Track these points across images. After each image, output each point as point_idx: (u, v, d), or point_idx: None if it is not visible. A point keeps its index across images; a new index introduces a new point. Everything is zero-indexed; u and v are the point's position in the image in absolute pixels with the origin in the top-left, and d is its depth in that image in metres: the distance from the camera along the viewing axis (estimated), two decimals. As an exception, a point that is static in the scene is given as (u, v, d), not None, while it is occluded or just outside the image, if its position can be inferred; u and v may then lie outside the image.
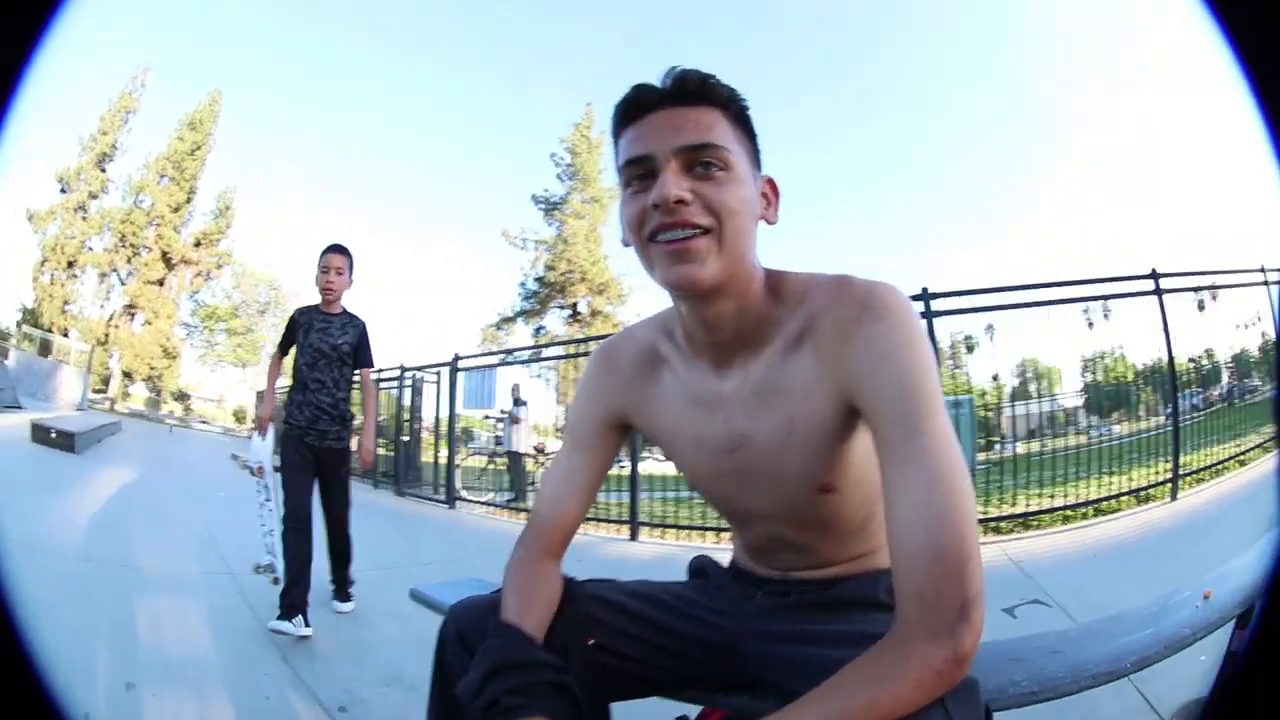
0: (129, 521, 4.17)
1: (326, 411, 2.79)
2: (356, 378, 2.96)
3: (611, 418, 0.88)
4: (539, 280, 24.51)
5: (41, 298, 24.22)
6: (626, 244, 0.76)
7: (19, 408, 11.06)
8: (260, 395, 3.20)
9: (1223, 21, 0.55)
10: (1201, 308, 4.54)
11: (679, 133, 0.69)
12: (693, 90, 0.71)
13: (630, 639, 0.83)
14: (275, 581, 2.73)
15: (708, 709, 0.96)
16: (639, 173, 0.71)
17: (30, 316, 23.94)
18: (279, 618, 2.33)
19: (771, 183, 0.78)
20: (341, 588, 2.89)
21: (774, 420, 0.75)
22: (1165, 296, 4.38)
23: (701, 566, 0.98)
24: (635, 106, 0.72)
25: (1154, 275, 4.37)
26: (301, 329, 2.84)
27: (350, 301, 2.93)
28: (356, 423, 3.04)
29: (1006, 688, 0.90)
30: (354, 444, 3.14)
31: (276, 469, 2.94)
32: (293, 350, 2.90)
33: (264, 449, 2.99)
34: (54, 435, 7.09)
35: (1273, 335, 4.38)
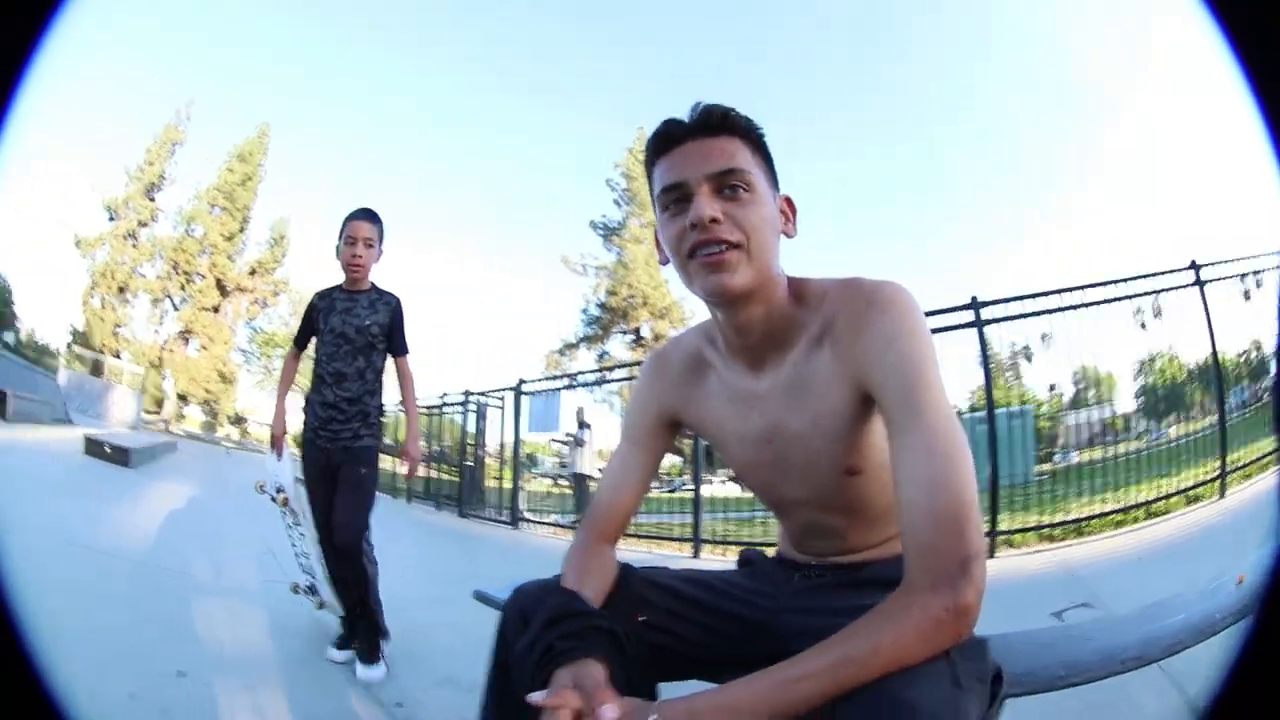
0: (187, 532, 4.34)
1: (341, 409, 2.28)
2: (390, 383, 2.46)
3: (663, 417, 0.98)
4: (601, 306, 24.75)
5: (91, 320, 25.11)
6: (664, 263, 0.87)
7: (69, 422, 11.54)
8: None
9: (1223, 22, 0.57)
10: (1248, 297, 4.36)
11: (707, 161, 0.79)
12: (716, 123, 0.80)
13: (677, 618, 0.89)
14: (321, 606, 2.49)
15: None
16: (675, 197, 0.81)
17: (80, 338, 24.90)
18: (363, 661, 2.11)
19: (789, 200, 0.87)
20: (364, 642, 2.18)
21: (803, 412, 0.84)
22: (1208, 288, 4.26)
23: (748, 557, 1.07)
24: (666, 139, 0.82)
25: (1194, 266, 4.25)
26: (321, 314, 2.35)
27: (382, 279, 2.43)
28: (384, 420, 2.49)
29: (1036, 671, 0.93)
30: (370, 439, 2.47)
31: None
32: (313, 344, 2.43)
33: (283, 471, 2.52)
34: (108, 449, 7.17)
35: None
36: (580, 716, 0.64)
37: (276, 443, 2.49)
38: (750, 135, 0.82)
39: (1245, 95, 0.56)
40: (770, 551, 1.09)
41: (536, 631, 0.73)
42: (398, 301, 2.39)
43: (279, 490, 2.49)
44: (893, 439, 0.73)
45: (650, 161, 0.85)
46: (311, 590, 2.56)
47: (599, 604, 0.83)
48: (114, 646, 1.98)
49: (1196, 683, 1.69)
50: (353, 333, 2.30)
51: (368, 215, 2.32)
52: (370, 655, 2.13)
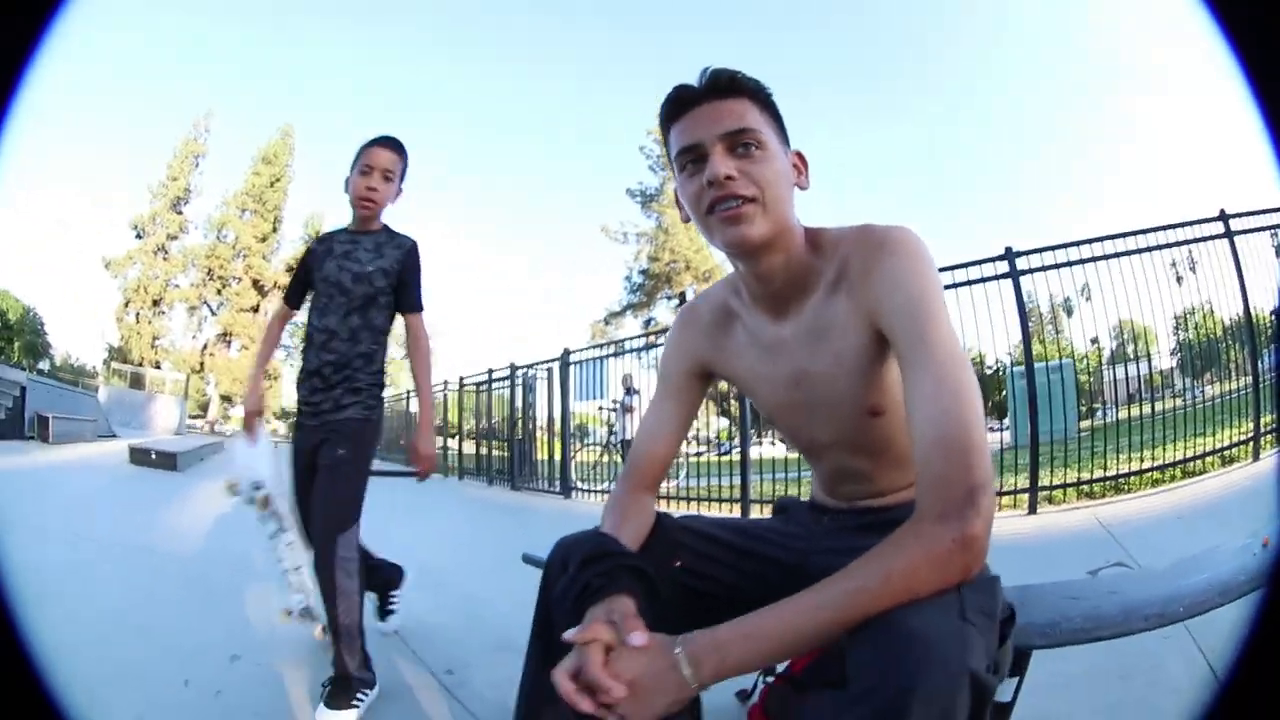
0: (239, 525, 4.47)
1: (323, 375, 1.80)
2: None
3: (695, 368, 1.02)
4: (643, 273, 24.95)
5: (128, 336, 25.73)
6: (686, 220, 0.91)
7: (113, 436, 11.89)
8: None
9: (1222, 22, 0.57)
10: (1280, 253, 4.23)
11: (720, 122, 0.83)
12: (725, 85, 0.84)
13: (713, 562, 0.95)
14: (324, 632, 1.94)
15: (767, 687, 1.08)
16: (691, 158, 0.85)
17: (117, 354, 25.54)
18: (327, 702, 1.60)
19: (800, 155, 0.91)
20: (339, 677, 1.66)
21: (825, 355, 0.88)
22: (1240, 240, 4.12)
23: (784, 504, 1.12)
24: (679, 104, 0.86)
25: (1223, 216, 4.10)
26: (317, 261, 1.88)
27: (398, 221, 1.95)
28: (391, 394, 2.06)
29: (1059, 622, 0.96)
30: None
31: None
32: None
33: (259, 460, 2.02)
34: (154, 456, 7.38)
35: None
36: (611, 649, 0.67)
37: (250, 423, 2.01)
38: (759, 95, 0.86)
39: (1246, 96, 0.56)
40: (805, 498, 1.12)
41: (573, 572, 0.78)
42: (413, 245, 1.90)
43: (256, 487, 1.97)
44: (904, 376, 0.76)
45: (665, 126, 0.89)
46: (307, 613, 2.05)
47: (636, 549, 0.87)
48: (165, 642, 2.08)
49: (1222, 652, 1.68)
50: (349, 281, 1.82)
51: (390, 144, 1.87)
52: (338, 698, 1.61)
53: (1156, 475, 4.03)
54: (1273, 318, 4.63)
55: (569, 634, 0.69)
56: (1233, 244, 4.11)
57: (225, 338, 27.70)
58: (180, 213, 26.55)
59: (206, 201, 27.67)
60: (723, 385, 6.74)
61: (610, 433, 7.95)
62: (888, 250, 0.81)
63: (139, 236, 26.25)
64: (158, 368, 24.78)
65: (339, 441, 1.78)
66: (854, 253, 0.84)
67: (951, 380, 0.72)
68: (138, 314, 26.18)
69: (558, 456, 7.48)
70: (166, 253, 26.46)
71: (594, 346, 7.99)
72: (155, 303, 26.33)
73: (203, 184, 27.13)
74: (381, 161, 1.85)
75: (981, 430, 0.70)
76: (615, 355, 7.32)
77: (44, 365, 23.92)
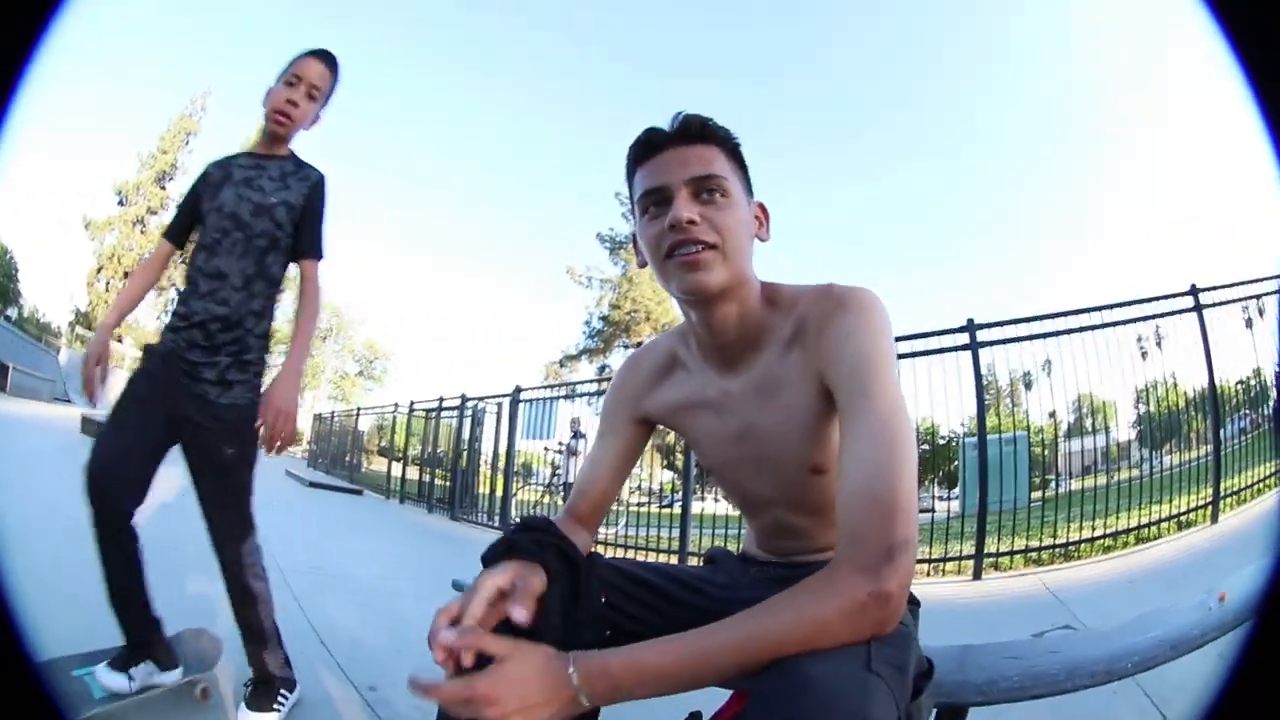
0: (179, 513, 4.33)
1: (208, 330, 1.50)
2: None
3: (634, 414, 1.01)
4: (603, 319, 24.84)
5: (96, 303, 25.21)
6: (643, 264, 0.90)
7: (68, 402, 11.56)
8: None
9: (1223, 22, 0.56)
10: (1250, 325, 4.34)
11: (687, 167, 0.83)
12: (695, 131, 0.84)
13: (638, 602, 0.92)
14: (205, 695, 1.44)
15: (723, 707, 1.02)
16: (655, 200, 0.84)
17: (83, 319, 24.97)
18: (249, 703, 1.55)
19: (763, 207, 0.92)
20: (260, 679, 1.59)
21: (774, 411, 0.86)
22: (1209, 314, 4.22)
23: (713, 555, 1.11)
24: (648, 146, 0.86)
25: (1193, 291, 4.22)
26: (210, 189, 1.59)
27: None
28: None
29: (997, 681, 0.93)
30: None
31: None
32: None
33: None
34: None
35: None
36: (501, 600, 0.69)
37: (88, 376, 1.55)
38: (727, 144, 0.86)
39: (1246, 97, 0.54)
40: (735, 551, 1.12)
41: (507, 533, 0.79)
42: (321, 179, 1.63)
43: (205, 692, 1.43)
44: (843, 427, 0.75)
45: (631, 168, 0.88)
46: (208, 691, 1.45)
47: None
48: (94, 614, 1.97)
49: (1180, 705, 1.67)
50: (248, 213, 1.53)
51: (326, 58, 1.63)
52: (261, 699, 1.56)
53: (1109, 542, 4.06)
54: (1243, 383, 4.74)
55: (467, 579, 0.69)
56: (1201, 318, 4.21)
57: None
58: (164, 188, 26.17)
59: (190, 181, 27.37)
60: (669, 437, 6.95)
61: (554, 474, 8.00)
62: (844, 307, 0.81)
63: (121, 203, 25.78)
64: (119, 341, 24.15)
65: (227, 436, 1.51)
66: (812, 311, 0.83)
67: (888, 435, 0.70)
68: (108, 283, 25.61)
69: (499, 491, 7.51)
70: (145, 226, 26.00)
71: (546, 387, 8.04)
72: (127, 274, 25.76)
73: (189, 162, 26.77)
74: (311, 75, 1.60)
75: (910, 489, 0.68)
76: (566, 398, 7.42)
77: (11, 313, 23.15)
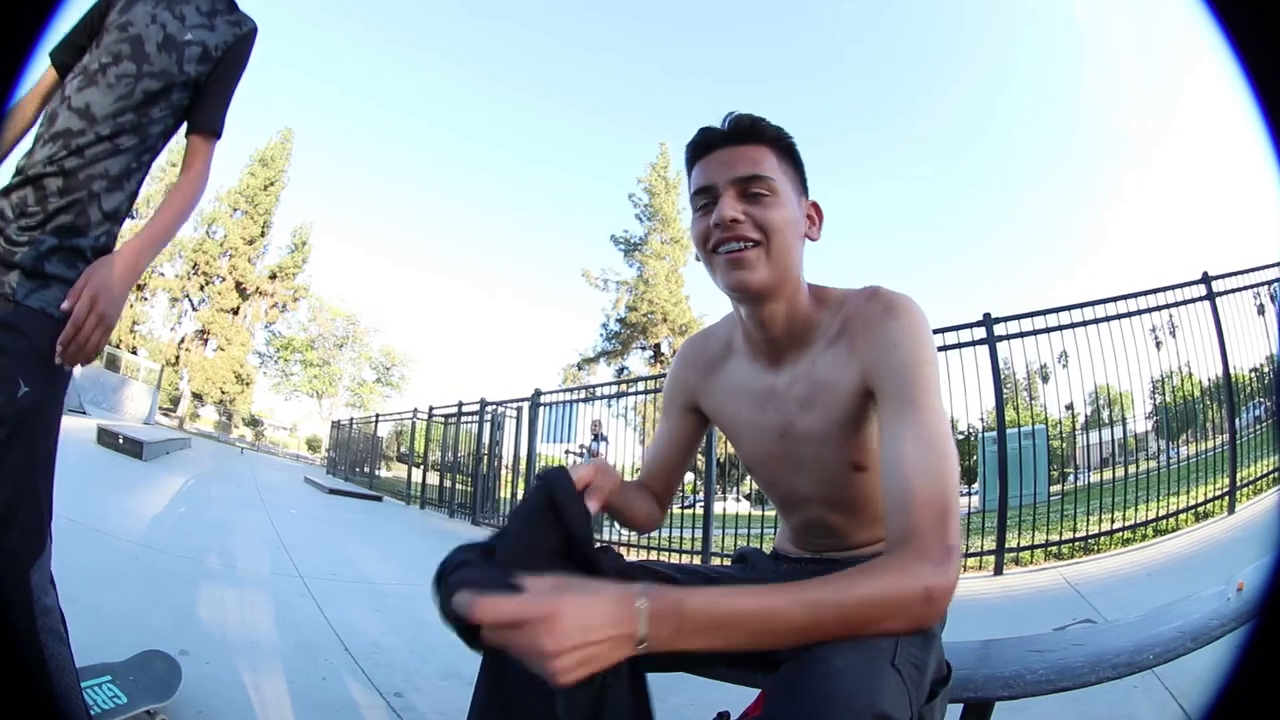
0: (199, 523, 4.40)
1: (42, 186, 1.04)
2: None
3: (687, 401, 1.04)
4: (620, 321, 24.96)
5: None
6: (698, 259, 0.92)
7: (83, 413, 11.64)
8: None
9: (1223, 22, 0.55)
10: (1262, 311, 4.30)
11: (734, 167, 0.85)
12: (745, 131, 0.86)
13: None
14: None
15: (749, 707, 1.04)
16: (704, 200, 0.87)
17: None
18: None
19: (816, 206, 0.92)
20: None
21: (816, 409, 0.88)
22: (1222, 300, 4.19)
23: (742, 554, 1.12)
24: (702, 146, 0.88)
25: (1205, 279, 4.19)
26: (123, 2, 1.16)
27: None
28: None
29: (1023, 675, 0.93)
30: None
31: None
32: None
33: None
34: (121, 441, 7.24)
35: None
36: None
37: None
38: (779, 143, 0.88)
39: (1246, 96, 0.54)
40: (767, 549, 1.12)
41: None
42: (253, 31, 1.27)
43: None
44: (885, 428, 0.77)
45: (689, 166, 0.91)
46: None
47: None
48: (118, 624, 2.02)
49: (1199, 699, 1.67)
50: (154, 44, 1.14)
51: None
52: None
53: (1127, 535, 4.04)
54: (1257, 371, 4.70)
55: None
56: (1214, 305, 4.18)
57: (203, 335, 27.44)
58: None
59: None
60: None
61: None
62: (892, 313, 0.82)
63: (132, 216, 25.96)
64: (134, 353, 24.41)
65: (22, 360, 0.97)
66: (858, 312, 0.85)
67: (935, 442, 0.73)
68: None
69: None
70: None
71: (565, 390, 7.97)
72: (139, 286, 26.01)
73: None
74: None
75: (958, 495, 0.71)
76: (585, 401, 7.33)
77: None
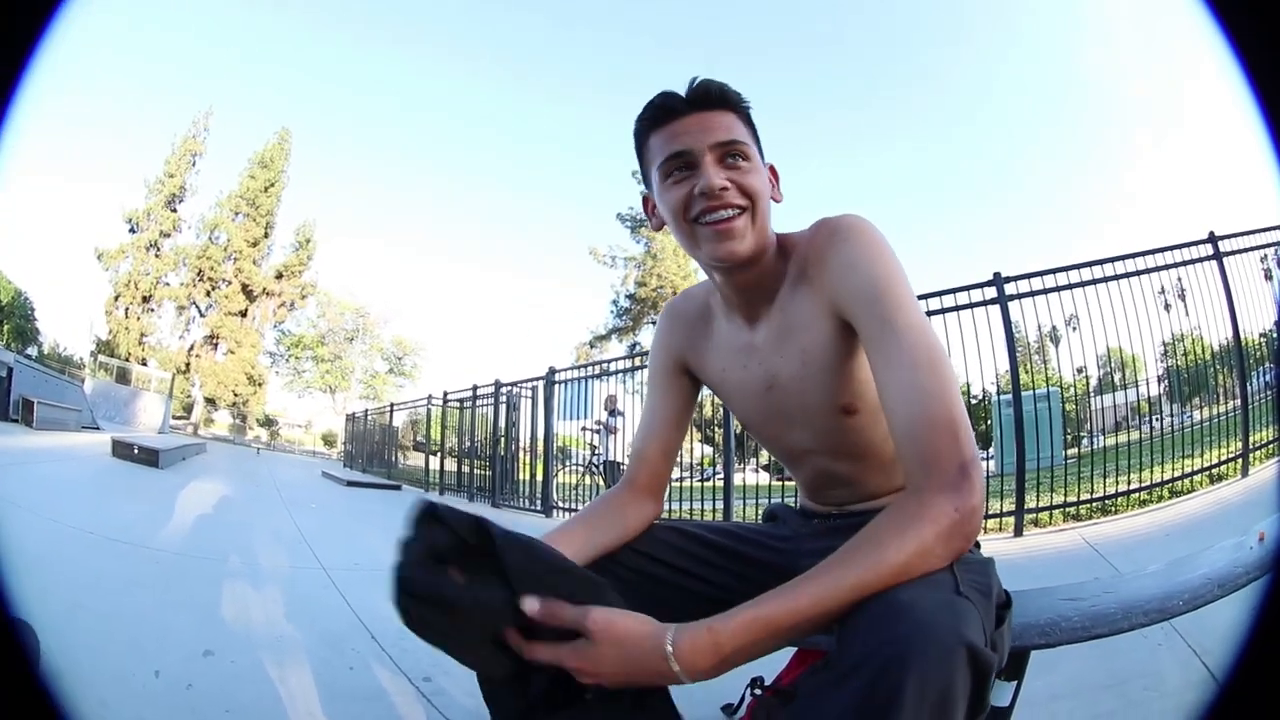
0: (218, 524, 4.43)
1: None
2: None
3: (676, 364, 1.02)
4: (630, 297, 25.07)
5: (117, 330, 25.48)
6: (659, 227, 0.91)
7: (97, 429, 11.71)
8: None
9: (1223, 22, 0.56)
10: (1269, 276, 4.27)
11: (710, 132, 0.83)
12: (715, 97, 0.85)
13: (703, 562, 0.93)
14: None
15: (784, 670, 1.05)
16: (679, 164, 0.84)
17: (105, 347, 25.27)
18: None
19: (774, 169, 0.92)
20: None
21: (792, 354, 0.88)
22: (1230, 261, 4.16)
23: (773, 510, 1.12)
24: (666, 110, 0.85)
25: (1212, 239, 4.14)
26: None
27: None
28: None
29: (1059, 622, 0.94)
30: None
31: None
32: None
33: None
34: (136, 451, 7.21)
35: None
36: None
37: None
38: (741, 109, 0.87)
39: (1246, 96, 0.54)
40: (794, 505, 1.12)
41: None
42: None
43: None
44: (871, 356, 0.76)
45: (645, 131, 0.88)
46: None
47: (596, 547, 0.88)
48: (138, 630, 2.02)
49: (1219, 654, 1.68)
50: None
51: None
52: None
53: (1144, 495, 4.05)
54: (1266, 336, 4.67)
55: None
56: (1222, 266, 4.15)
57: (212, 340, 27.50)
58: (174, 210, 26.38)
59: (201, 201, 27.58)
60: (705, 411, 6.92)
61: (593, 454, 7.92)
62: (839, 235, 0.81)
63: (132, 230, 26.03)
64: (144, 365, 24.52)
65: None
66: (809, 246, 0.85)
67: (926, 359, 0.71)
68: (127, 309, 25.91)
69: (539, 475, 7.51)
70: (159, 250, 26.25)
71: (579, 367, 7.97)
72: (145, 299, 26.10)
73: (198, 183, 26.99)
74: None
75: (962, 406, 0.69)
76: (599, 376, 7.35)
77: (32, 352, 23.57)
